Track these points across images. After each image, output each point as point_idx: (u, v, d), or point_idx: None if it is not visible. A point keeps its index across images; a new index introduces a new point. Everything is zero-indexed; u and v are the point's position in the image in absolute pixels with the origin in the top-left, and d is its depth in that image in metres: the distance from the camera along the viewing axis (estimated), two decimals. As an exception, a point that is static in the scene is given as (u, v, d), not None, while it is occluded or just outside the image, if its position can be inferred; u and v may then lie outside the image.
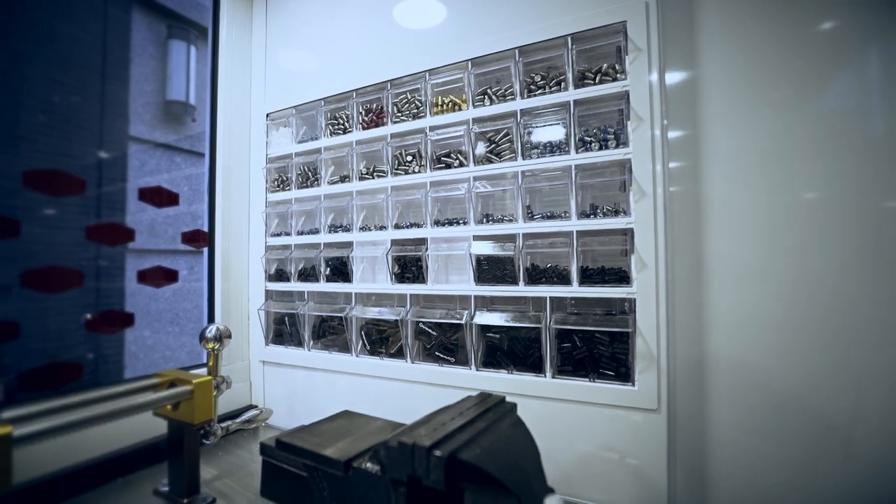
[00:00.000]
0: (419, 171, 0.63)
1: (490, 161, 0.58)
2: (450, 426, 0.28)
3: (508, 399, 0.39)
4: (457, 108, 0.61)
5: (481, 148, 0.59)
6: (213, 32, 0.81)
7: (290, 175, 0.76)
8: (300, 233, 0.75)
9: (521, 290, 0.55)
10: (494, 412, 0.31)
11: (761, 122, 0.48)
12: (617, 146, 0.51)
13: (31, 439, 0.37)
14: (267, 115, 0.79)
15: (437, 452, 0.25)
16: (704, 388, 0.50)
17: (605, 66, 0.52)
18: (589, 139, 0.53)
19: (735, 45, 0.50)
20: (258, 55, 0.82)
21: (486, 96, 0.59)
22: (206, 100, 0.80)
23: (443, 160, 0.62)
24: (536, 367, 0.54)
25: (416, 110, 0.64)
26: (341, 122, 0.71)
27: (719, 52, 0.50)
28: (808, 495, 0.45)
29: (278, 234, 0.78)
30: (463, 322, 0.58)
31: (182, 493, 0.53)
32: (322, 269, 0.71)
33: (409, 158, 0.65)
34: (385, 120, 0.67)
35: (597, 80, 0.53)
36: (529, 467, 0.27)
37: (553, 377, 0.53)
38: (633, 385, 0.49)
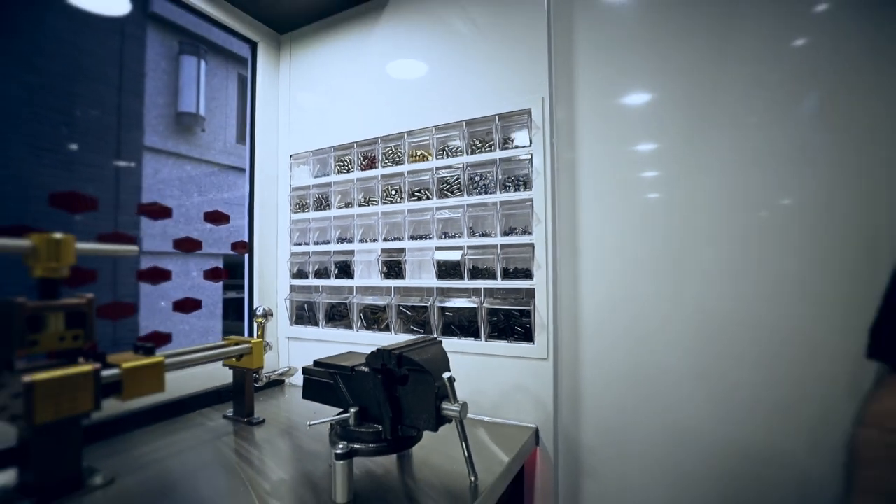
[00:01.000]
0: (400, 202, 0.91)
1: (446, 196, 0.86)
2: (404, 346, 0.55)
3: (458, 354, 0.66)
4: (425, 158, 0.89)
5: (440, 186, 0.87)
6: (251, 84, 1.09)
7: (308, 201, 1.04)
8: (316, 243, 1.03)
9: (466, 283, 0.82)
10: (430, 343, 0.58)
11: (613, 178, 0.75)
12: (525, 189, 0.79)
13: (169, 368, 0.64)
14: (291, 156, 1.07)
15: (395, 352, 0.53)
16: (578, 343, 0.77)
17: (518, 136, 0.80)
18: (508, 184, 0.80)
19: (595, 133, 0.77)
20: (283, 105, 1.10)
21: (444, 152, 0.87)
22: (247, 141, 1.08)
23: (415, 194, 0.90)
24: (475, 334, 0.82)
25: (397, 159, 0.92)
26: (346, 164, 0.99)
27: (588, 132, 0.78)
28: (651, 409, 0.72)
29: (300, 244, 1.06)
30: (429, 305, 0.85)
31: (242, 416, 0.80)
32: (332, 270, 0.99)
33: (394, 192, 0.93)
34: (377, 165, 0.94)
35: (513, 146, 0.80)
36: (440, 364, 0.54)
37: (486, 341, 0.81)
38: (534, 343, 0.77)
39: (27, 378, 0.49)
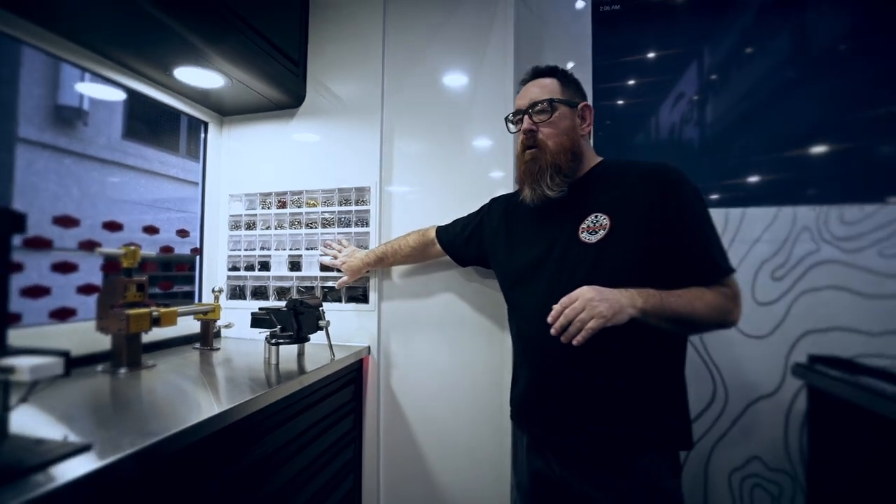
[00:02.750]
0: (300, 228, 1.62)
1: (326, 227, 1.59)
2: (304, 298, 1.27)
3: (331, 311, 1.37)
4: (315, 205, 1.61)
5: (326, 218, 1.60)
6: (203, 148, 1.70)
7: (241, 223, 1.69)
8: (246, 250, 1.68)
9: (336, 274, 1.56)
10: (315, 298, 1.31)
11: (406, 219, 1.55)
12: (367, 226, 1.55)
13: (180, 314, 1.28)
14: (229, 195, 1.71)
15: (300, 300, 1.25)
16: (390, 302, 1.55)
17: (365, 197, 1.56)
18: (359, 223, 1.56)
19: (400, 194, 1.56)
20: (225, 161, 1.73)
21: (326, 202, 1.60)
22: (199, 183, 1.69)
23: (309, 225, 1.61)
24: (339, 300, 1.56)
25: (299, 203, 1.63)
26: (267, 203, 1.67)
27: (397, 196, 1.56)
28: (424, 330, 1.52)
29: (235, 250, 1.70)
30: (315, 285, 1.57)
31: (207, 346, 1.44)
32: (256, 266, 1.66)
33: (297, 222, 1.63)
34: (287, 206, 1.64)
35: (362, 204, 1.56)
36: (317, 306, 1.28)
37: (345, 303, 1.55)
38: (368, 303, 1.53)
39: (127, 312, 1.13)
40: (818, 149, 1.50)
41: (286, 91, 1.56)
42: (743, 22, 1.56)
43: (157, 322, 1.20)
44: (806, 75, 1.51)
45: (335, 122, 1.62)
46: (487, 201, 1.32)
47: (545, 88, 1.01)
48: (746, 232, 1.48)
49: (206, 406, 0.84)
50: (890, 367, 1.32)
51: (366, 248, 1.55)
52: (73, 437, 0.64)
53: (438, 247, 1.36)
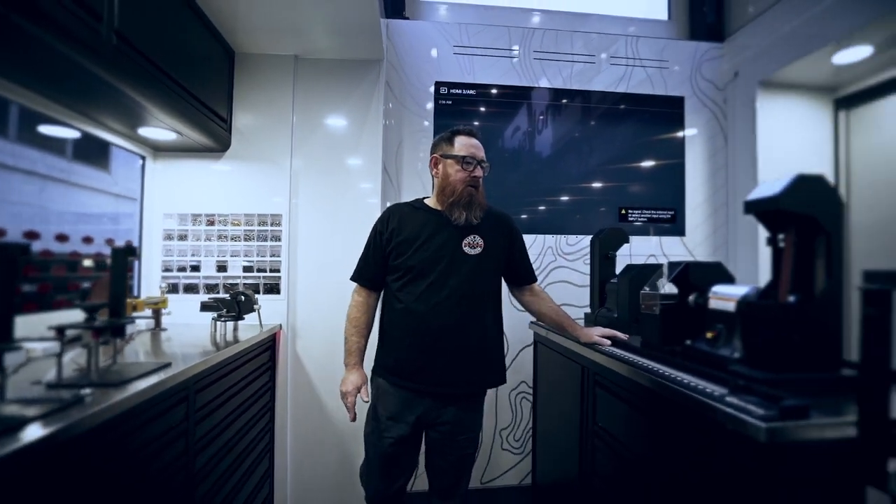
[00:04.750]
0: (227, 241, 2.21)
1: (248, 241, 2.21)
2: (237, 293, 1.91)
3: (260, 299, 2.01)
4: (239, 225, 2.22)
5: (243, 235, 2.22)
6: (142, 176, 2.17)
7: (174, 235, 2.22)
8: (178, 256, 2.22)
9: (256, 274, 2.20)
10: (244, 291, 1.95)
11: (313, 242, 2.26)
12: (279, 241, 2.21)
13: (147, 305, 1.83)
14: (164, 213, 2.22)
15: (237, 292, 1.89)
16: (297, 293, 2.25)
17: (279, 221, 2.23)
18: (273, 239, 2.22)
19: (306, 218, 2.26)
20: (158, 186, 2.23)
21: (248, 223, 2.22)
22: (138, 201, 2.16)
23: (233, 239, 2.22)
24: (258, 291, 2.21)
25: (226, 222, 2.22)
26: (199, 221, 2.22)
27: (305, 219, 2.26)
28: (325, 309, 2.25)
29: (169, 256, 2.22)
30: (239, 282, 2.19)
31: (156, 327, 1.98)
32: (188, 268, 2.21)
33: (225, 236, 2.22)
34: (215, 223, 2.22)
35: (277, 225, 2.22)
36: (251, 294, 1.93)
37: (262, 294, 2.21)
38: (280, 294, 2.21)
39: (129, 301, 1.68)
40: (560, 198, 2.59)
41: (216, 140, 2.14)
42: (523, 119, 2.57)
43: (135, 308, 1.75)
44: (531, 170, 2.58)
45: (254, 163, 2.24)
46: (376, 221, 1.51)
47: (482, 150, 1.42)
48: (519, 249, 2.51)
49: (180, 361, 1.48)
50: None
51: (279, 258, 2.22)
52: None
53: (374, 294, 1.50)
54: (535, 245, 2.52)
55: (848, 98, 2.42)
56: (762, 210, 0.99)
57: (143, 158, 2.18)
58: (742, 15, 2.65)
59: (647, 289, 1.37)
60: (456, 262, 1.36)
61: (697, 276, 1.30)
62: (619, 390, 1.35)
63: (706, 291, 1.23)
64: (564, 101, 2.61)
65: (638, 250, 2.61)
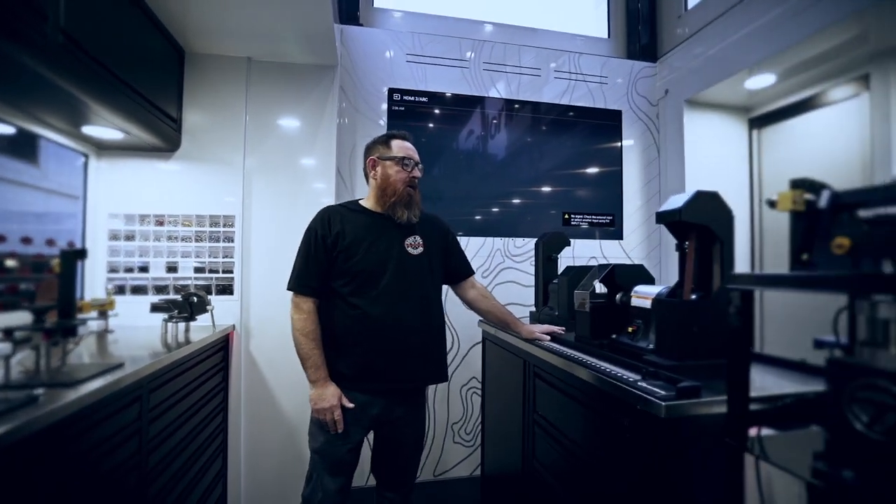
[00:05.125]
0: (178, 242, 2.19)
1: (199, 242, 2.20)
2: (189, 294, 1.90)
3: (214, 299, 2.01)
4: (190, 225, 2.21)
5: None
6: (84, 174, 2.11)
7: (121, 236, 2.17)
8: (125, 257, 2.17)
9: (208, 275, 2.20)
10: (200, 291, 1.95)
11: (265, 242, 2.28)
12: (232, 242, 2.22)
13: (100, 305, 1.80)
14: (108, 213, 2.16)
15: (189, 293, 1.89)
16: (251, 294, 2.26)
17: (231, 222, 2.23)
18: (226, 240, 2.22)
19: (258, 218, 2.28)
20: (103, 186, 2.17)
21: (200, 224, 2.21)
22: (80, 200, 2.10)
23: (183, 240, 2.20)
24: (210, 292, 2.20)
25: (176, 223, 2.20)
26: (147, 221, 2.19)
27: (258, 218, 2.27)
28: (276, 308, 2.27)
29: (114, 257, 2.17)
30: (190, 282, 2.18)
31: (106, 330, 1.94)
32: (136, 269, 2.17)
33: (175, 237, 2.20)
34: (164, 224, 2.19)
35: (227, 225, 2.23)
36: (202, 294, 1.93)
37: (215, 295, 2.20)
38: (234, 294, 2.21)
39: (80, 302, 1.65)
40: (509, 202, 2.73)
41: (165, 140, 2.12)
42: (470, 129, 2.70)
43: (80, 310, 1.72)
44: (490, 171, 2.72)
45: (206, 164, 2.23)
46: (312, 224, 1.46)
47: (417, 153, 1.49)
48: (469, 250, 2.63)
49: (131, 363, 1.49)
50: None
51: (231, 258, 2.23)
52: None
53: (317, 301, 1.42)
54: (485, 247, 2.65)
55: (760, 118, 2.71)
56: (669, 221, 1.15)
57: (86, 157, 2.12)
58: (672, 38, 2.90)
59: (579, 289, 1.52)
60: (403, 262, 1.41)
61: (623, 277, 1.46)
62: (556, 381, 1.48)
63: (630, 291, 1.39)
64: (512, 110, 2.75)
65: (581, 252, 2.80)
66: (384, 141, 1.49)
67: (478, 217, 2.69)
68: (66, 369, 1.15)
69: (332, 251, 1.39)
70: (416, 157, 1.48)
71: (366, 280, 1.38)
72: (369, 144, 1.53)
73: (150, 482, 1.35)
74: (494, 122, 2.73)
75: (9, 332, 0.97)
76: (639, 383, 1.06)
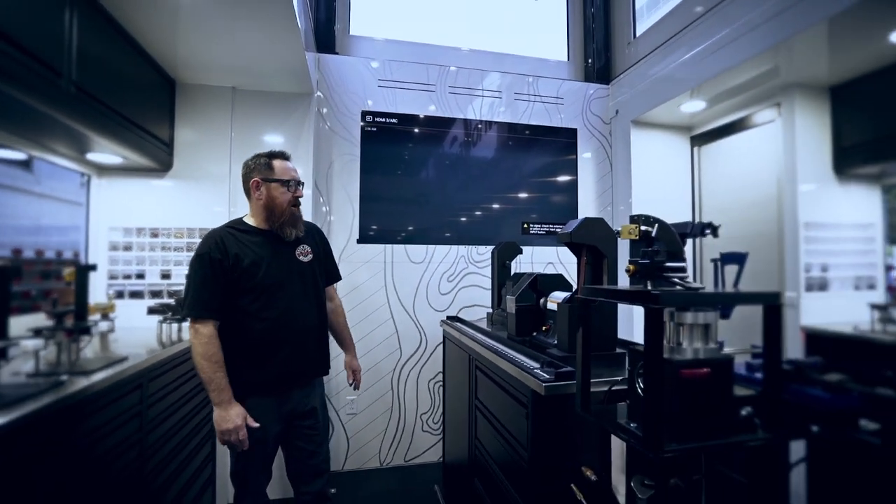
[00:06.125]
0: (170, 252, 2.46)
1: (192, 251, 2.48)
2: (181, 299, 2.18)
3: None
4: (182, 237, 2.48)
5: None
6: (87, 191, 2.38)
7: (119, 246, 2.44)
8: (123, 265, 2.44)
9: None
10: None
11: (249, 249, 2.55)
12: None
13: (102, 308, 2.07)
14: (109, 227, 2.43)
15: (180, 297, 2.17)
16: (236, 299, 2.54)
17: (219, 233, 2.51)
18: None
19: (246, 233, 2.55)
20: (104, 201, 2.44)
21: (187, 236, 2.48)
22: (84, 214, 2.36)
23: (174, 250, 2.47)
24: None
25: (169, 235, 2.47)
26: (143, 234, 2.46)
27: (243, 233, 2.55)
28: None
29: (114, 265, 2.43)
30: (183, 288, 2.45)
31: (108, 330, 2.21)
32: (134, 276, 2.44)
33: (167, 248, 2.47)
34: (159, 236, 2.46)
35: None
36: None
37: (205, 299, 2.48)
38: (221, 299, 2.49)
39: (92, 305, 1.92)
40: (474, 213, 3.02)
41: (159, 162, 2.39)
42: (446, 147, 2.98)
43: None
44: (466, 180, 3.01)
45: (196, 181, 2.51)
46: (204, 250, 1.46)
47: (297, 171, 1.58)
48: (436, 257, 2.91)
49: (132, 357, 1.76)
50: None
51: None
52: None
53: (216, 324, 1.42)
54: (451, 254, 2.94)
55: (699, 136, 3.02)
56: (563, 241, 1.44)
57: (89, 177, 2.39)
58: (624, 61, 3.19)
59: (510, 295, 1.81)
60: (298, 270, 1.54)
61: (544, 285, 1.75)
62: (489, 371, 1.77)
63: (548, 296, 1.68)
64: (476, 130, 3.04)
65: (539, 258, 3.10)
66: (266, 162, 1.51)
67: (445, 227, 2.97)
68: (81, 361, 1.42)
69: (231, 273, 1.42)
70: (298, 176, 1.55)
71: (271, 293, 1.46)
72: (250, 164, 1.53)
73: (148, 457, 1.63)
74: (460, 141, 3.01)
75: (38, 332, 1.24)
76: (535, 370, 1.35)
